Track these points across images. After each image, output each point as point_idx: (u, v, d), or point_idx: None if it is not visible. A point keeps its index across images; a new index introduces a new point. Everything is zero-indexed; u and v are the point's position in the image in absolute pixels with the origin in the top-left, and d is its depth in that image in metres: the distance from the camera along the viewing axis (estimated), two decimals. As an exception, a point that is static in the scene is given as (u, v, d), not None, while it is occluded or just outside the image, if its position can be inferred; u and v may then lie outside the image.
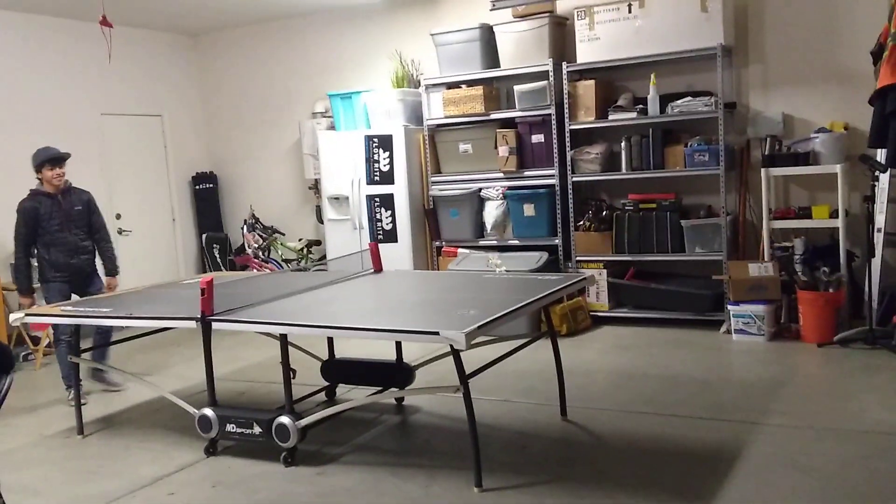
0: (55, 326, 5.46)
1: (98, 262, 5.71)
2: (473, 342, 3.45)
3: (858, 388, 4.66)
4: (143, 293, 5.15)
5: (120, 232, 8.13)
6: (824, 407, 4.37)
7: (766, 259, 6.00)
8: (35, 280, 5.57)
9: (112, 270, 5.70)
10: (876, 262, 5.52)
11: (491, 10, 5.34)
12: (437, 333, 3.27)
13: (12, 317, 4.58)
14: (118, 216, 8.16)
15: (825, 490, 3.34)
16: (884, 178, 5.43)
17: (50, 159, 5.39)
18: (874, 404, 4.33)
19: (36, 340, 6.67)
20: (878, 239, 5.49)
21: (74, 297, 5.46)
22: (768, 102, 6.25)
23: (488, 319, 3.41)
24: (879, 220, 5.52)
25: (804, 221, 5.93)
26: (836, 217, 5.78)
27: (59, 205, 5.42)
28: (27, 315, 4.61)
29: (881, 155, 5.42)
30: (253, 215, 8.55)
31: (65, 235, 5.42)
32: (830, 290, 5.64)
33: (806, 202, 6.13)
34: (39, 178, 5.45)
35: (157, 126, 8.74)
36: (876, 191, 5.51)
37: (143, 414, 5.10)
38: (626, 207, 6.58)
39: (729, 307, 5.96)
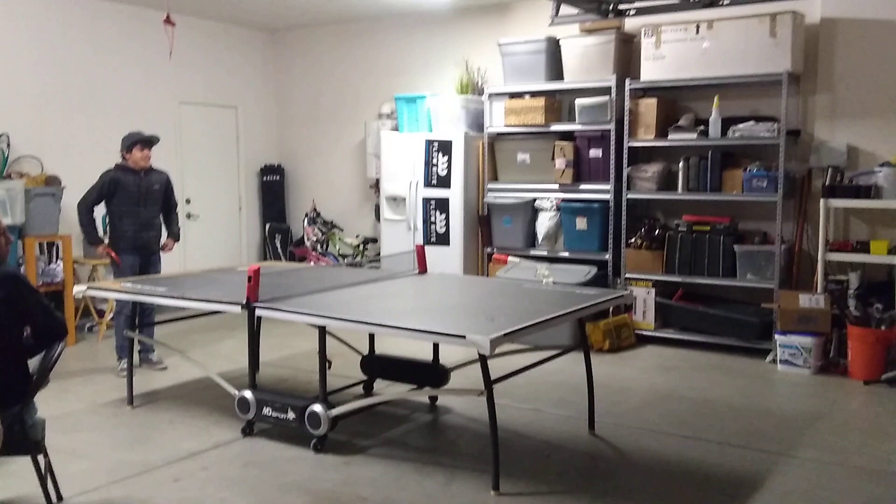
0: (116, 300, 5.76)
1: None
2: (505, 349, 3.54)
3: (899, 429, 4.56)
4: (199, 276, 5.41)
5: (189, 216, 8.49)
6: (859, 445, 4.29)
7: (818, 291, 5.89)
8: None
9: (175, 235, 6.12)
10: (932, 303, 5.37)
11: (550, 24, 5.40)
12: (463, 337, 3.37)
13: (75, 289, 4.89)
14: (188, 201, 8.51)
15: (843, 528, 3.32)
16: (947, 218, 5.30)
17: (143, 140, 5.80)
18: (912, 447, 4.24)
19: (101, 313, 7.03)
20: (936, 279, 5.35)
21: None
22: (833, 132, 6.14)
23: (515, 328, 3.49)
24: (940, 260, 5.38)
25: (861, 255, 5.80)
26: (895, 254, 5.64)
27: (141, 180, 5.81)
28: (90, 288, 4.90)
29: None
30: (315, 209, 8.81)
31: (139, 210, 5.79)
32: (882, 328, 5.50)
33: (865, 236, 5.99)
34: (125, 159, 5.80)
35: (232, 117, 9.08)
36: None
37: (191, 391, 5.35)
38: (680, 228, 6.54)
39: (776, 336, 5.88)
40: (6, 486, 3.68)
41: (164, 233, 6.10)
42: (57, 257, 6.91)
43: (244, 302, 4.14)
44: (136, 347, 5.66)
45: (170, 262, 6.45)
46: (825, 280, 5.92)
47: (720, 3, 4.78)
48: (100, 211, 5.88)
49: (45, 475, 3.25)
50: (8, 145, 6.77)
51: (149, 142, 5.82)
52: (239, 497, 3.65)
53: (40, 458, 3.22)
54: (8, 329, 3.20)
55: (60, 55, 7.33)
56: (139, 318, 5.43)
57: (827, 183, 5.98)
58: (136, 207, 5.77)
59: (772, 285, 6.07)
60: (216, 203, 8.92)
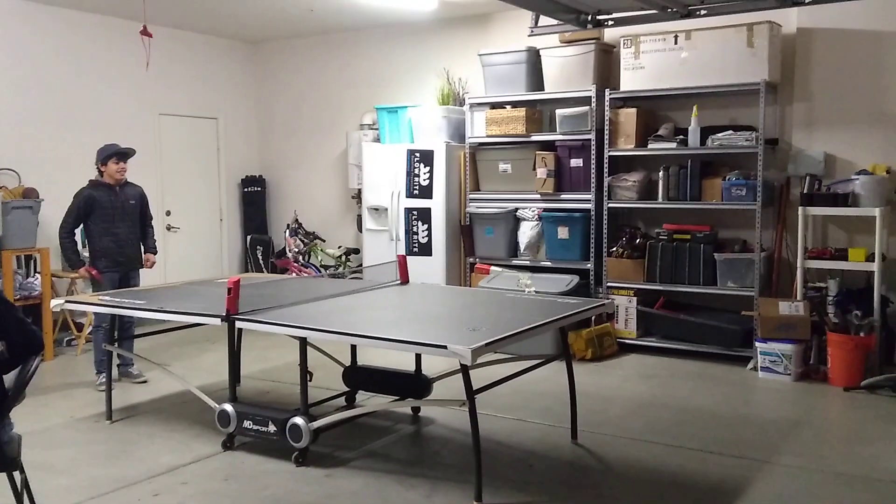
0: (95, 314, 5.70)
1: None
2: (487, 359, 3.53)
3: (878, 434, 4.58)
4: (178, 289, 5.37)
5: (168, 228, 8.43)
6: (839, 451, 4.32)
7: (798, 298, 5.94)
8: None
9: (152, 249, 6.06)
10: (910, 309, 5.43)
11: (529, 35, 5.43)
12: (445, 347, 3.36)
13: (53, 303, 4.84)
14: (168, 213, 8.46)
15: (824, 534, 3.33)
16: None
17: (118, 153, 5.73)
18: (891, 452, 4.26)
19: (79, 326, 6.96)
20: (914, 286, 5.41)
21: None
22: (811, 141, 6.20)
23: (497, 338, 3.49)
24: (917, 266, 5.44)
25: (840, 263, 5.85)
26: (873, 260, 5.70)
27: (116, 196, 5.74)
28: (68, 302, 4.85)
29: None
30: (296, 220, 8.77)
31: (118, 226, 5.72)
32: (861, 334, 5.55)
33: (843, 243, 6.05)
34: (101, 171, 5.75)
35: (212, 128, 9.03)
36: (913, 237, 5.43)
37: (171, 405, 5.29)
38: (661, 237, 6.58)
39: (757, 344, 5.91)
40: (-19, 503, 3.63)
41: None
42: (35, 270, 6.84)
43: (224, 314, 4.11)
44: (116, 361, 5.60)
45: (150, 274, 6.39)
46: (804, 287, 5.97)
47: (697, 13, 4.82)
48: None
49: (22, 492, 3.19)
50: (-16, 158, 6.71)
51: (125, 154, 5.77)
52: (219, 511, 3.62)
53: (16, 474, 3.16)
54: (-17, 344, 3.14)
55: (37, 67, 7.26)
56: (119, 331, 5.38)
57: (805, 191, 6.04)
58: (113, 224, 5.71)
59: (752, 293, 6.11)
60: (197, 215, 8.86)
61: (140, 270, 5.97)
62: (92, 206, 5.66)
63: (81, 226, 5.78)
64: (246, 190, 9.29)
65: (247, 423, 4.23)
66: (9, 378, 3.23)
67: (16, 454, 3.18)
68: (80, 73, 7.61)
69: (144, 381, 5.80)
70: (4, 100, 7.00)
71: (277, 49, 9.18)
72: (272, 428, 4.13)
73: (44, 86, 7.31)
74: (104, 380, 5.08)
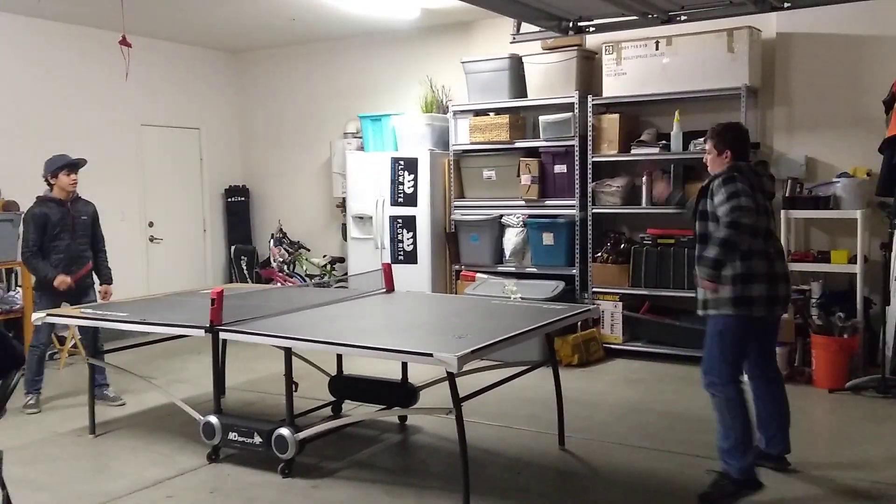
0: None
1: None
2: (473, 366, 3.52)
3: (863, 436, 4.61)
4: (162, 300, 5.32)
5: (151, 239, 8.38)
6: (824, 453, 4.34)
7: (782, 301, 5.96)
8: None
9: (108, 279, 5.69)
10: (892, 310, 5.46)
11: (511, 42, 5.45)
12: (430, 355, 3.34)
13: (33, 316, 4.78)
14: (151, 224, 8.40)
15: (811, 536, 3.33)
16: (902, 226, 5.40)
17: (69, 164, 5.42)
18: (877, 454, 4.28)
19: (62, 340, 6.88)
20: (895, 287, 5.44)
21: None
22: (791, 145, 6.25)
23: (483, 345, 3.48)
24: (897, 267, 5.47)
25: (822, 265, 5.89)
26: (855, 263, 5.75)
27: (68, 212, 5.42)
28: (49, 315, 4.79)
29: (899, 203, 5.39)
30: (281, 230, 8.73)
31: (68, 244, 5.42)
32: (845, 336, 5.58)
33: (825, 246, 6.09)
34: (50, 185, 5.44)
35: (195, 139, 8.99)
36: (894, 238, 5.47)
37: (155, 418, 5.24)
38: (645, 242, 6.60)
39: (742, 347, 5.92)
40: (-38, 521, 3.57)
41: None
42: (16, 284, 6.76)
43: (208, 325, 4.08)
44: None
45: (133, 286, 6.32)
46: (788, 290, 5.99)
47: (678, 19, 4.86)
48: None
49: (3, 509, 3.15)
50: (-36, 171, 6.63)
51: (75, 165, 5.43)
52: (205, 525, 3.58)
53: (-3, 491, 3.12)
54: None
55: (15, 80, 7.19)
56: (90, 347, 5.33)
57: (787, 194, 6.07)
58: (64, 241, 5.39)
59: (736, 296, 6.12)
60: (180, 225, 8.80)
61: (93, 292, 5.68)
62: (45, 224, 5.33)
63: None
64: (229, 200, 9.24)
65: (232, 435, 4.19)
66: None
67: (-4, 470, 3.14)
68: (60, 85, 7.55)
69: (122, 404, 5.53)
70: (-17, 112, 6.94)
71: (259, 59, 9.15)
72: (258, 439, 4.10)
73: (23, 99, 7.24)
74: (32, 402, 4.96)
